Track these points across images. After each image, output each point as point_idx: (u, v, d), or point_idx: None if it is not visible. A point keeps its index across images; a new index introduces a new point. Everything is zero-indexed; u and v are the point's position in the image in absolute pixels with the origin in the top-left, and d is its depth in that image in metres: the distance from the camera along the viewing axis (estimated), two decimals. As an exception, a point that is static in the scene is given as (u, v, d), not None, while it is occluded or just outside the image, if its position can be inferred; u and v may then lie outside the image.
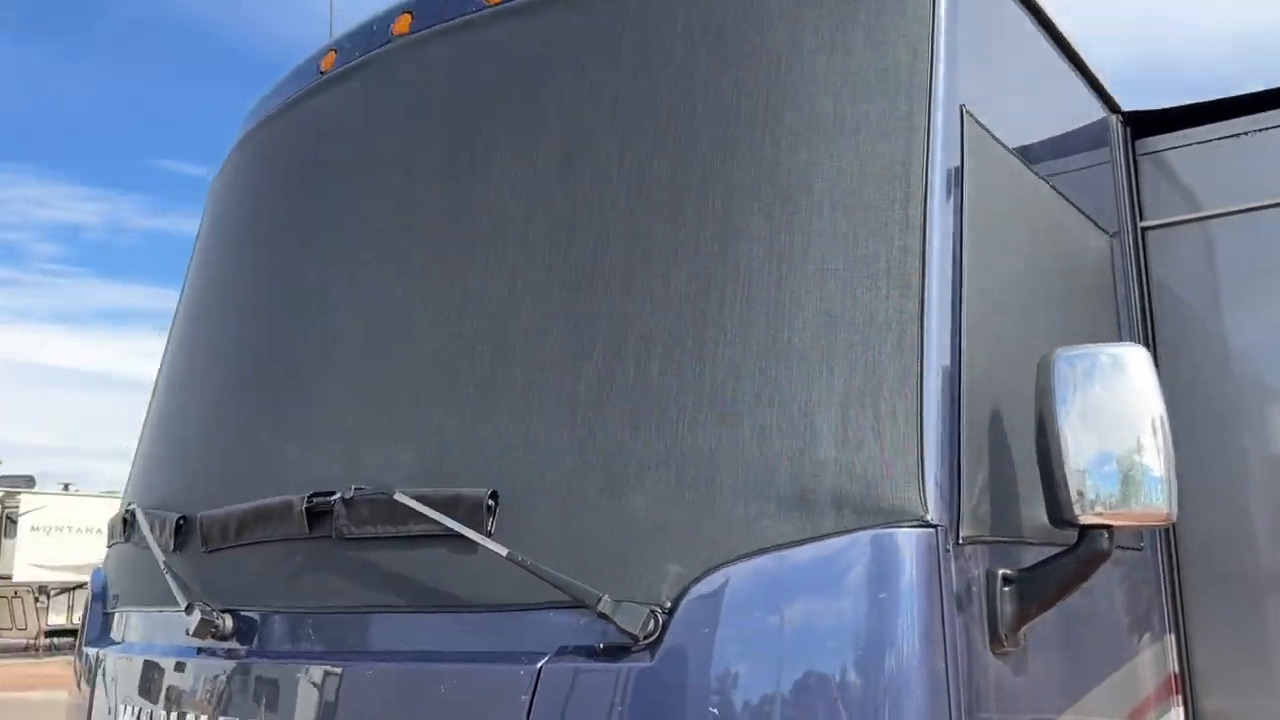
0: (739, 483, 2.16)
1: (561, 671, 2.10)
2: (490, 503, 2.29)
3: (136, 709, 2.78)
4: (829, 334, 2.24)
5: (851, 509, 2.09)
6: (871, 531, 2.07)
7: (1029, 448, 2.34)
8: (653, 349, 2.32)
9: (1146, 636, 3.24)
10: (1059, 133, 3.40)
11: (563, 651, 2.13)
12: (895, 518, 2.08)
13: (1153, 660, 3.26)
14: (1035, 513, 2.34)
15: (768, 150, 2.43)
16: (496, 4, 2.93)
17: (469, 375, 2.46)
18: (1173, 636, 3.45)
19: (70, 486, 30.47)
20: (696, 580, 2.08)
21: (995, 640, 2.21)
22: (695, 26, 2.60)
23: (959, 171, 2.44)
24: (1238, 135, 3.63)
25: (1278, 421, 3.59)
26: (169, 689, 2.69)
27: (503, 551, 2.18)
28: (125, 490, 3.48)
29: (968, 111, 2.51)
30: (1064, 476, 2.18)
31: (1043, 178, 2.94)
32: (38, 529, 26.33)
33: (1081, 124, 3.60)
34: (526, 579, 2.18)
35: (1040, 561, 2.26)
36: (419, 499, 2.31)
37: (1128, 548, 3.18)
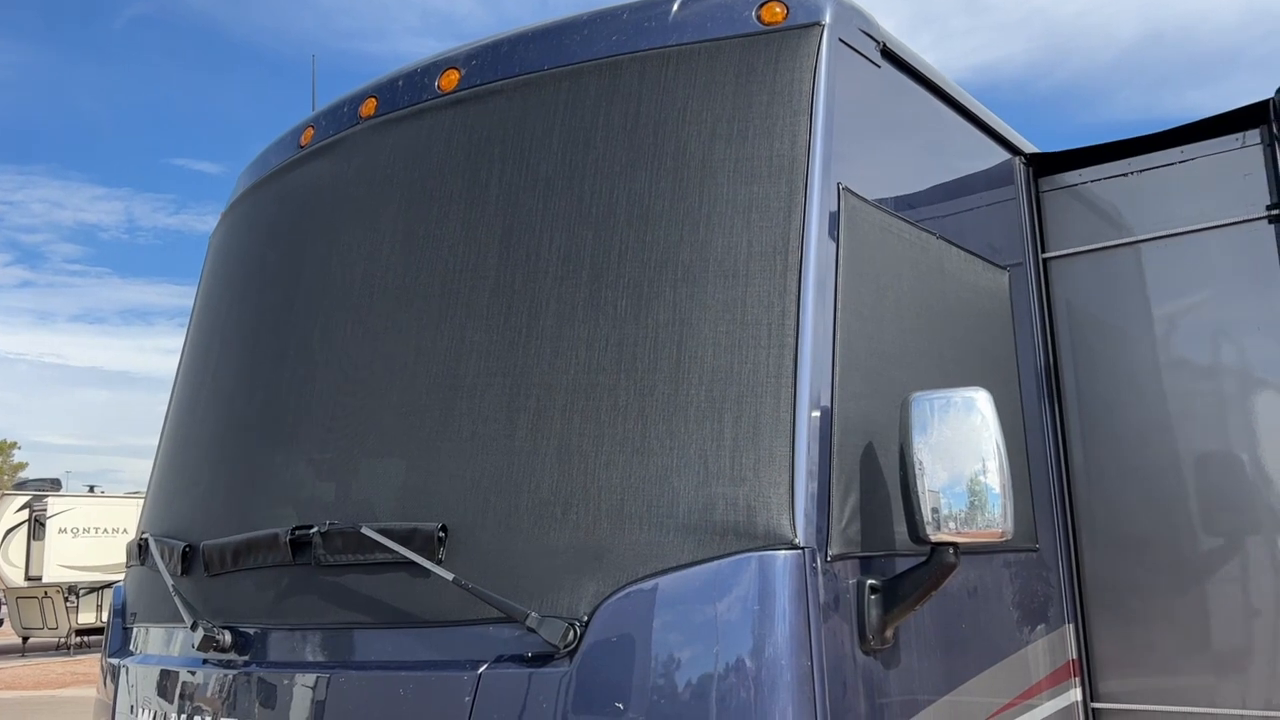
0: (645, 515, 2.60)
1: (498, 676, 2.55)
2: (441, 535, 2.74)
3: (152, 711, 3.26)
4: (721, 388, 2.68)
5: (735, 536, 2.53)
6: (749, 554, 2.50)
7: (898, 477, 2.77)
8: (575, 402, 2.76)
9: (1042, 627, 3.67)
10: (956, 178, 3.81)
11: (500, 659, 2.58)
12: (770, 542, 2.51)
13: (1048, 648, 3.69)
14: (904, 530, 2.77)
15: (673, 229, 2.86)
16: (448, 93, 3.37)
17: (424, 423, 2.91)
18: (1072, 626, 3.88)
19: (95, 488, 31.19)
20: (607, 598, 2.52)
21: (864, 640, 2.65)
22: (614, 119, 3.03)
23: (835, 242, 2.87)
24: (1125, 175, 4.04)
25: (1173, 428, 4.01)
26: (178, 694, 3.16)
27: (449, 576, 2.63)
28: (140, 520, 3.95)
29: (845, 188, 2.93)
30: (918, 499, 2.60)
31: (929, 231, 3.36)
32: (65, 531, 27.02)
33: (982, 168, 4.01)
34: (471, 599, 2.62)
35: (900, 573, 2.69)
36: (382, 532, 2.76)
37: (1021, 550, 3.61)
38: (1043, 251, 4.15)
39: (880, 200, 3.14)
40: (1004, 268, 3.85)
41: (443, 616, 2.70)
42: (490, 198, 3.10)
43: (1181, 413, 3.99)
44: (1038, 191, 4.20)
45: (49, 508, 27.12)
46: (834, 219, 2.88)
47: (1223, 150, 3.85)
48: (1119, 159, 4.06)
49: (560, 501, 2.68)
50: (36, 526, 26.91)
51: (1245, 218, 3.78)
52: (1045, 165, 4.19)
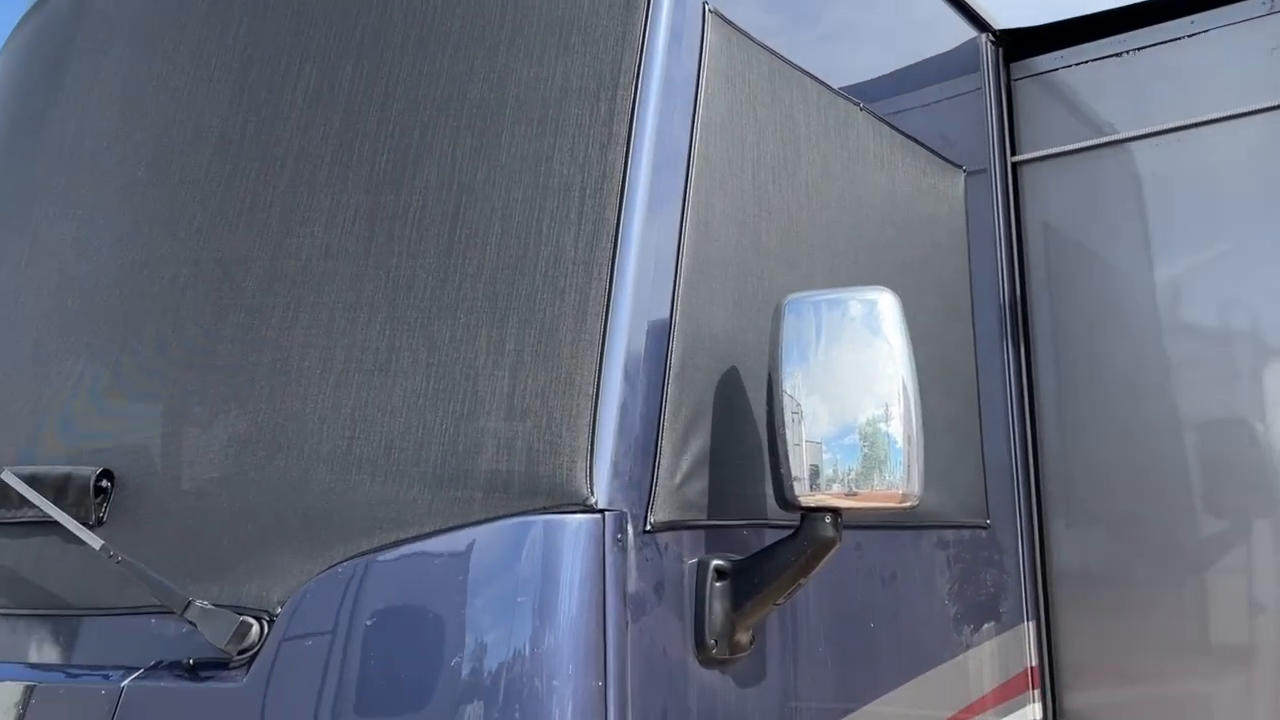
0: (382, 460, 1.78)
1: (148, 692, 1.72)
2: (103, 484, 1.91)
3: None
4: (508, 280, 1.84)
5: (506, 492, 1.71)
6: (523, 520, 1.68)
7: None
8: (303, 297, 1.93)
9: (990, 626, 2.85)
10: (894, 44, 2.94)
11: (158, 667, 1.75)
12: (556, 502, 1.69)
13: (998, 653, 2.87)
14: (769, 492, 1.94)
15: (460, 56, 2.01)
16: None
17: (91, 327, 2.08)
18: (1031, 625, 3.05)
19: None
20: (307, 583, 1.70)
21: (703, 646, 1.82)
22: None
23: (694, 84, 2.02)
24: (1119, 55, 3.17)
25: (1172, 382, 3.16)
26: None
27: (96, 543, 1.80)
28: None
29: (714, 10, 2.08)
30: (785, 450, 1.78)
31: (850, 99, 2.51)
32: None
33: (942, 47, 3.15)
34: (140, 578, 1.80)
35: (759, 552, 1.86)
36: (28, 478, 1.93)
37: (966, 526, 2.78)
38: (1013, 154, 3.30)
39: (775, 48, 2.29)
40: (959, 166, 3.00)
41: (99, 602, 1.88)
42: (231, 20, 2.25)
43: (1184, 362, 3.14)
44: (1009, 78, 3.34)
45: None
46: (693, 51, 2.03)
47: (1245, 18, 2.98)
48: (1110, 35, 3.19)
49: (267, 439, 1.85)
50: None
51: (1274, 104, 2.92)
52: (1019, 45, 3.32)
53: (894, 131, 2.69)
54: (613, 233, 1.83)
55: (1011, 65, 3.34)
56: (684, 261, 1.92)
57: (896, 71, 2.93)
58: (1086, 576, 3.15)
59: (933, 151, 2.87)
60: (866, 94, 2.63)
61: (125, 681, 1.73)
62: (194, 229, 2.07)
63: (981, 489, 2.84)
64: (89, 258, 2.18)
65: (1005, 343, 3.16)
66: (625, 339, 1.79)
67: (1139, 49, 3.13)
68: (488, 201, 1.90)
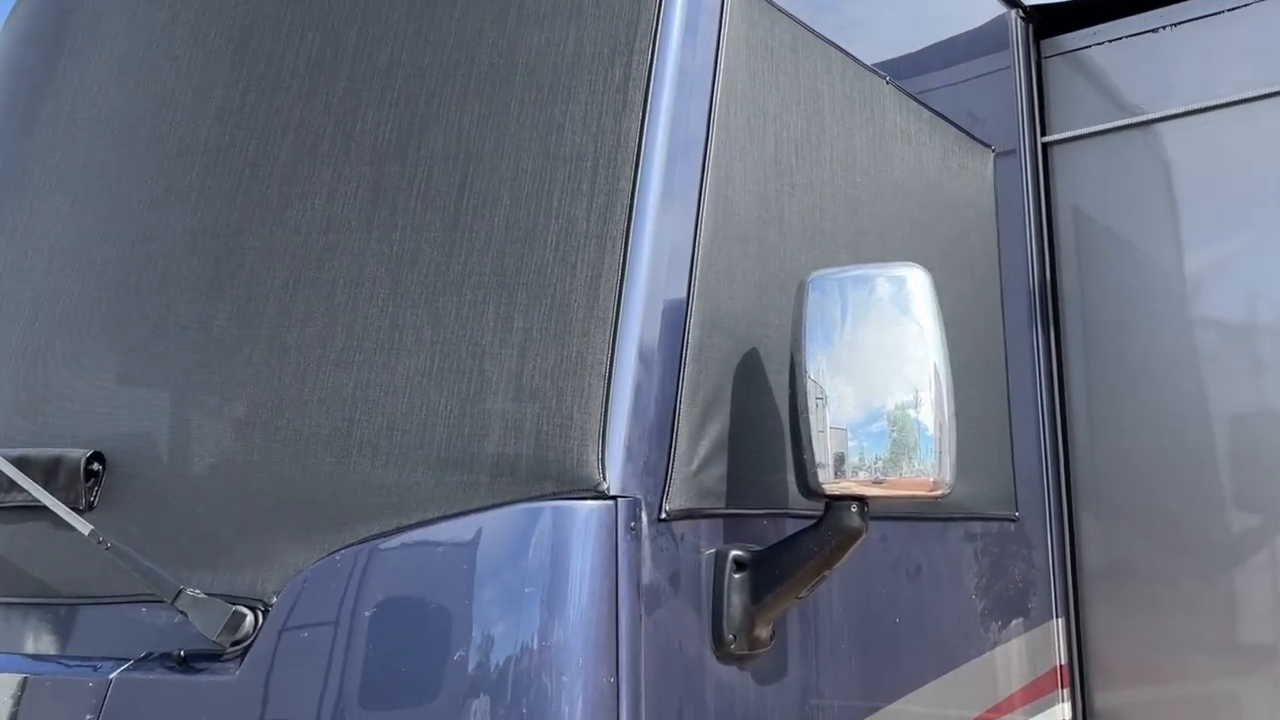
0: (384, 443, 1.69)
1: (137, 684, 1.64)
2: (94, 467, 1.83)
3: None
4: (517, 255, 1.75)
5: (513, 477, 1.62)
6: (531, 506, 1.59)
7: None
8: (303, 273, 1.84)
9: (1018, 623, 2.74)
10: (937, 35, 2.84)
11: (147, 659, 1.67)
12: (566, 487, 1.60)
13: (1027, 651, 2.76)
14: (791, 480, 1.84)
15: (468, 20, 1.92)
16: None
17: (76, 309, 2.00)
18: (1061, 622, 2.94)
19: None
20: (303, 571, 1.62)
21: (720, 641, 1.73)
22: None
23: (715, 49, 1.92)
24: (1155, 30, 3.05)
25: (1206, 371, 3.04)
26: None
27: (85, 528, 1.72)
28: None
29: (736, -24, 1.98)
30: (809, 435, 1.68)
31: (877, 73, 2.41)
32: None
33: (970, 23, 3.04)
34: (134, 566, 1.72)
35: (780, 542, 1.77)
36: (17, 461, 1.86)
37: (994, 518, 2.67)
38: (1043, 134, 3.18)
39: (801, 20, 2.19)
40: (988, 146, 2.89)
41: (85, 589, 1.80)
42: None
43: (1218, 351, 3.02)
44: (1039, 56, 3.22)
45: None
46: (712, 16, 1.93)
47: (1288, -9, 2.86)
48: (1145, 10, 3.07)
49: (264, 420, 1.77)
50: None
51: (1317, 81, 2.80)
52: (1050, 21, 3.20)
53: (921, 107, 2.58)
54: (627, 205, 1.74)
55: (1042, 42, 3.23)
56: (702, 236, 1.82)
57: (923, 48, 2.83)
58: (1118, 572, 3.03)
59: (961, 130, 2.76)
60: (892, 71, 2.53)
61: (113, 673, 1.65)
62: (190, 202, 1.99)
63: (1010, 480, 2.73)
64: (84, 232, 2.10)
65: (1035, 329, 3.04)
66: (640, 317, 1.69)
67: (1175, 25, 3.01)
68: (496, 172, 1.80)
